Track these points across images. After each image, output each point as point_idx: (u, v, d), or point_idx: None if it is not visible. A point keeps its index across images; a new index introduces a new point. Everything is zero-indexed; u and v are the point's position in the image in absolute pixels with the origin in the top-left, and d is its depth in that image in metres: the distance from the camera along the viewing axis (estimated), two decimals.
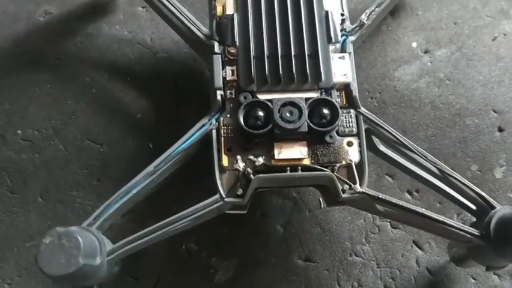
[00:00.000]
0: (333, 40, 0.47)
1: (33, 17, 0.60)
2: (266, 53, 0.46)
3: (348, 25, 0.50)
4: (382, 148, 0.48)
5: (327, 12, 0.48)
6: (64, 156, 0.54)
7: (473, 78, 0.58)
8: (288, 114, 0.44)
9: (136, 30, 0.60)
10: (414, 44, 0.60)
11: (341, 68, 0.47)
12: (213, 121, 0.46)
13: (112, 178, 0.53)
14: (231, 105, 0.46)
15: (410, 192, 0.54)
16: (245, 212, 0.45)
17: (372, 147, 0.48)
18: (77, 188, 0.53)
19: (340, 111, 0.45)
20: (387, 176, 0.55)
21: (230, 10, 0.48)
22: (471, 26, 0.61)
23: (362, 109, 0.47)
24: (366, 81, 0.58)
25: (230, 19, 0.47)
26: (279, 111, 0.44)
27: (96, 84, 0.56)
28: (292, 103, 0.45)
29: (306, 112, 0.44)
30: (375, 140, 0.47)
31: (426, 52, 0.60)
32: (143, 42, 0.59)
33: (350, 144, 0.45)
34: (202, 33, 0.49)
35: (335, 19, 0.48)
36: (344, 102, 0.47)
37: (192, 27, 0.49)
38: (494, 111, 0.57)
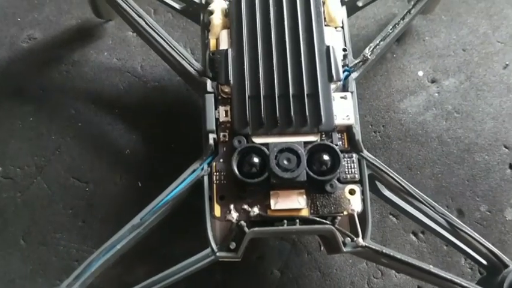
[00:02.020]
0: (335, 79, 0.44)
1: (16, 43, 0.57)
2: (262, 93, 0.43)
3: (350, 59, 0.47)
4: (387, 193, 0.45)
5: (328, 47, 0.44)
6: (47, 195, 0.51)
7: (483, 111, 0.55)
8: (285, 162, 0.41)
9: (126, 58, 0.56)
10: (420, 73, 0.57)
11: (343, 109, 0.44)
12: (205, 166, 0.43)
13: (99, 219, 0.50)
14: (224, 148, 0.43)
15: (415, 234, 0.51)
16: (239, 259, 0.42)
17: (376, 191, 0.45)
18: (61, 229, 0.50)
19: (342, 158, 0.41)
20: (391, 216, 0.52)
21: (224, 44, 0.45)
22: (481, 52, 0.58)
23: (365, 153, 0.43)
24: (370, 113, 0.55)
25: (224, 55, 0.44)
26: (275, 158, 0.41)
27: (82, 117, 0.53)
28: (290, 149, 0.41)
29: (304, 159, 0.41)
30: (380, 185, 0.44)
31: (433, 82, 0.56)
32: (132, 71, 0.56)
33: (352, 192, 0.42)
34: (194, 69, 0.46)
35: (337, 55, 0.44)
36: (346, 146, 0.44)
37: (183, 62, 0.46)
38: (505, 147, 0.54)
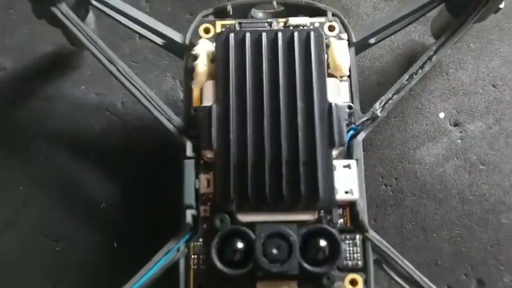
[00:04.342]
0: (337, 144, 0.37)
1: None
2: (249, 161, 0.36)
3: (357, 114, 0.40)
4: (397, 278, 0.38)
5: (330, 105, 0.37)
6: (15, 255, 0.45)
7: None
8: (274, 251, 0.34)
9: (105, 92, 0.50)
10: (441, 115, 0.49)
11: (346, 181, 0.37)
12: (181, 247, 0.37)
13: (70, 281, 0.45)
14: (205, 226, 0.37)
15: None
16: None
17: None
18: None
19: (342, 246, 0.35)
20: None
21: (208, 99, 0.38)
22: None
23: (371, 233, 0.37)
24: (380, 163, 0.48)
25: (207, 113, 0.37)
26: (263, 245, 0.35)
27: (54, 164, 0.47)
28: (280, 234, 0.35)
29: (297, 248, 0.34)
30: (388, 269, 0.38)
31: (456, 125, 0.49)
32: (112, 108, 0.49)
33: (354, 283, 0.36)
34: (173, 125, 0.39)
35: (341, 115, 0.37)
36: (348, 224, 0.37)
37: (160, 117, 0.39)
38: None
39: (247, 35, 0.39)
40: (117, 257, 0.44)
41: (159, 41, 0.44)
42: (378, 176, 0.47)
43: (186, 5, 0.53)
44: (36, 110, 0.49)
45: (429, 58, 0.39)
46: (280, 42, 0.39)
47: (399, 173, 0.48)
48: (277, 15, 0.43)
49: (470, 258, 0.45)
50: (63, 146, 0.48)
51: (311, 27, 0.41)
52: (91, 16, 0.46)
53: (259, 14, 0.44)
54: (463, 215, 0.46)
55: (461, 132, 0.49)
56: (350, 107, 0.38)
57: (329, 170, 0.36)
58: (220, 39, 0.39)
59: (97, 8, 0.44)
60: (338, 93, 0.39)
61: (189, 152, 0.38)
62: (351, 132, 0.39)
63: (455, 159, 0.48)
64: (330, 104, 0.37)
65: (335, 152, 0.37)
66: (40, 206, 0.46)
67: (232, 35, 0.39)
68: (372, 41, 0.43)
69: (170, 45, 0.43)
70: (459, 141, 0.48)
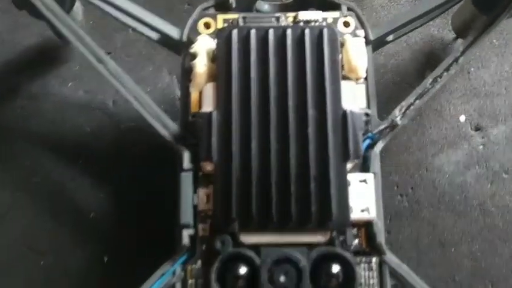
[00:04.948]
0: (352, 157, 0.33)
1: None
2: (254, 176, 0.32)
3: (374, 120, 0.36)
4: None
5: (345, 113, 0.33)
6: None
7: None
8: (282, 278, 0.31)
9: (95, 90, 0.45)
10: (462, 118, 0.45)
11: (362, 198, 0.33)
12: (177, 269, 0.33)
13: None
14: (204, 247, 0.33)
15: None
16: None
17: None
18: None
19: (357, 273, 0.31)
20: None
21: (208, 104, 0.34)
22: None
23: (388, 256, 0.33)
24: (396, 171, 0.44)
25: (206, 120, 0.33)
26: (269, 271, 0.31)
27: (39, 170, 0.43)
28: (288, 259, 0.31)
29: (307, 274, 0.31)
30: None
31: (477, 130, 0.45)
32: (103, 107, 0.45)
33: None
34: (169, 132, 0.35)
35: (357, 123, 0.33)
36: (364, 245, 0.34)
37: (155, 124, 0.35)
38: None
39: (252, 31, 0.35)
40: (107, 273, 0.41)
41: (154, 35, 0.39)
42: (393, 185, 0.44)
43: None
44: (19, 109, 0.45)
45: (456, 60, 0.35)
46: (289, 41, 0.34)
47: (416, 181, 0.44)
48: (285, 8, 0.39)
49: (490, 275, 0.42)
50: (49, 148, 0.44)
51: (324, 23, 0.37)
52: (78, 5, 0.42)
53: (265, 6, 0.40)
54: (484, 228, 0.43)
55: (483, 137, 0.45)
56: (367, 114, 0.34)
57: (343, 186, 0.32)
58: (222, 36, 0.35)
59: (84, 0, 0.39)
60: (354, 98, 0.35)
61: (186, 163, 0.34)
62: (368, 141, 0.35)
63: (477, 167, 0.44)
64: (345, 111, 0.33)
65: (349, 165, 0.33)
66: (24, 216, 0.42)
67: (235, 32, 0.35)
68: (390, 38, 0.39)
69: (166, 40, 0.38)
70: (481, 147, 0.44)
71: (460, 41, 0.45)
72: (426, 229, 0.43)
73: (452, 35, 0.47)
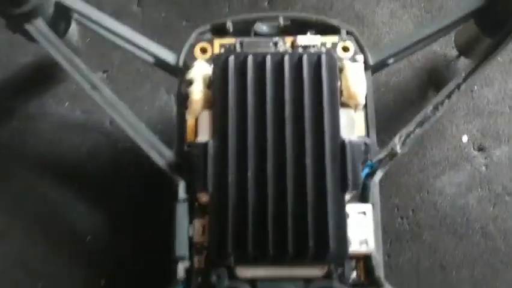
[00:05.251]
0: (351, 188, 0.32)
1: None
2: (250, 208, 0.32)
3: (374, 148, 0.35)
4: None
5: (343, 142, 0.33)
6: None
7: None
8: None
9: (92, 109, 0.45)
10: (464, 138, 0.44)
11: (360, 230, 0.32)
12: None
13: None
14: (200, 279, 0.33)
15: None
16: None
17: None
18: None
19: None
20: None
21: (204, 133, 0.33)
22: None
23: None
24: (396, 193, 0.43)
25: (202, 150, 0.33)
26: None
27: (34, 192, 0.43)
28: None
29: None
30: None
31: (480, 150, 0.44)
32: (100, 127, 0.45)
33: None
34: (165, 160, 0.35)
35: (355, 153, 0.33)
36: (362, 278, 0.33)
37: (150, 152, 0.34)
38: None
39: (250, 58, 0.34)
40: None
41: (150, 59, 0.39)
42: (393, 207, 0.43)
43: (182, 11, 0.48)
44: (16, 130, 0.45)
45: (458, 87, 0.34)
46: (286, 68, 0.34)
47: (417, 204, 0.43)
48: (284, 30, 0.38)
49: None
50: (45, 169, 0.43)
51: (322, 48, 0.36)
52: (73, 26, 0.41)
53: (263, 27, 0.39)
54: (486, 252, 0.42)
55: (485, 158, 0.44)
56: (365, 144, 0.33)
57: (341, 218, 0.32)
58: (218, 63, 0.34)
59: (79, 22, 0.39)
60: (352, 127, 0.34)
61: (182, 194, 0.33)
62: (367, 170, 0.34)
63: (479, 189, 0.43)
64: (343, 141, 0.32)
65: (348, 196, 0.33)
66: (19, 239, 0.42)
67: (231, 58, 0.34)
68: (390, 61, 0.38)
69: (162, 65, 0.38)
70: (483, 168, 0.44)
71: (462, 59, 0.45)
72: (426, 252, 0.42)
73: (455, 52, 0.46)
